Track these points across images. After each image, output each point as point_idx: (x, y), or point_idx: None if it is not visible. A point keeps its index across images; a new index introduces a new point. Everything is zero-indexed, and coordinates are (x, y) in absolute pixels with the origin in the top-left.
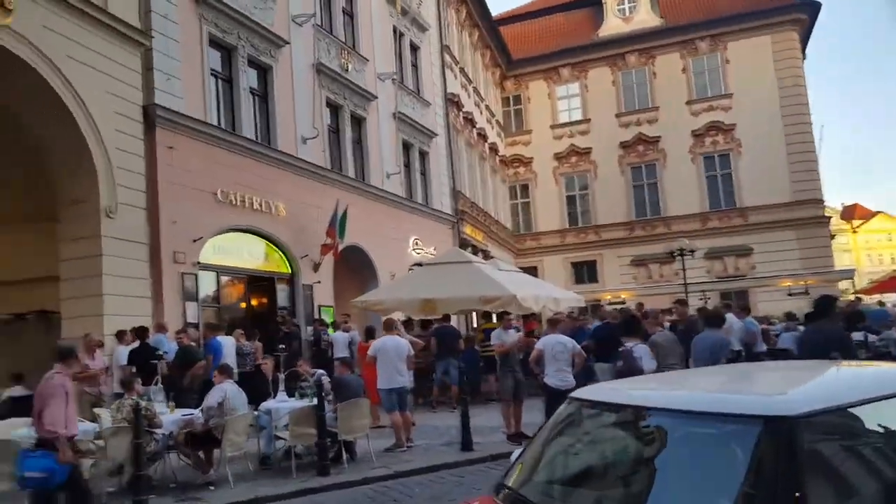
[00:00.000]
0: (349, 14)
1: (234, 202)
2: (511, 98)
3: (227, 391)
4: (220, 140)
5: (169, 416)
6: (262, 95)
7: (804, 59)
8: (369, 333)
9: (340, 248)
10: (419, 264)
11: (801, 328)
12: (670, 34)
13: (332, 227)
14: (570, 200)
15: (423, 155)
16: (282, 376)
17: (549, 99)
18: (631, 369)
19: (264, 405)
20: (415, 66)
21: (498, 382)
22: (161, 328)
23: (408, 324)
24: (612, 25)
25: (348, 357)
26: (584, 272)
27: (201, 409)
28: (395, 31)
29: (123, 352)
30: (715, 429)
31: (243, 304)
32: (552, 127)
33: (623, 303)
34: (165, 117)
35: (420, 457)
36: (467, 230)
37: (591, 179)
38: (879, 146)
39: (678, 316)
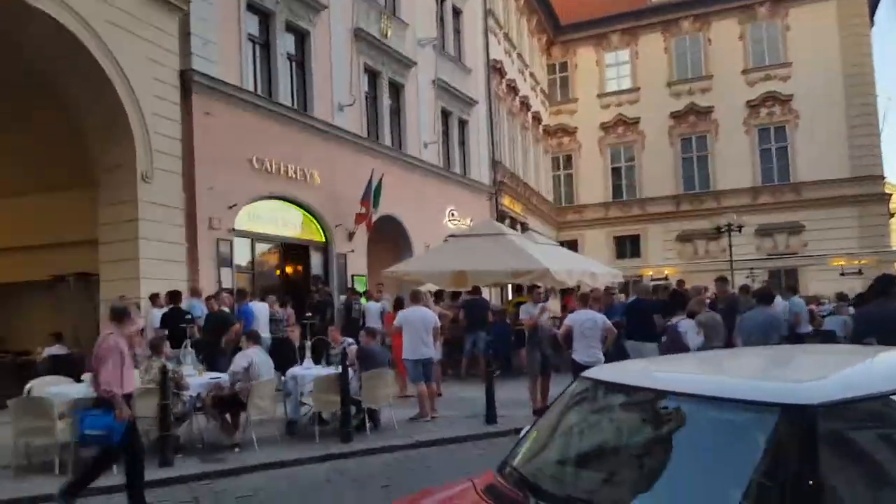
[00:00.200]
0: None
1: (269, 169)
2: (557, 65)
3: (253, 357)
4: (257, 106)
5: (197, 379)
6: (300, 61)
7: (872, 26)
8: (398, 304)
9: (374, 218)
10: (454, 236)
11: (852, 309)
12: None
13: (367, 198)
14: (616, 172)
15: (463, 124)
16: (308, 344)
17: (598, 66)
18: (676, 345)
19: (290, 371)
20: (457, 31)
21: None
22: (195, 292)
23: (439, 295)
24: None
25: (373, 327)
26: (627, 247)
27: (228, 374)
28: None
29: (157, 314)
30: (730, 416)
31: (277, 272)
32: (599, 96)
33: (665, 279)
34: (202, 83)
35: (443, 428)
36: (505, 201)
37: (638, 151)
38: None
39: (718, 294)
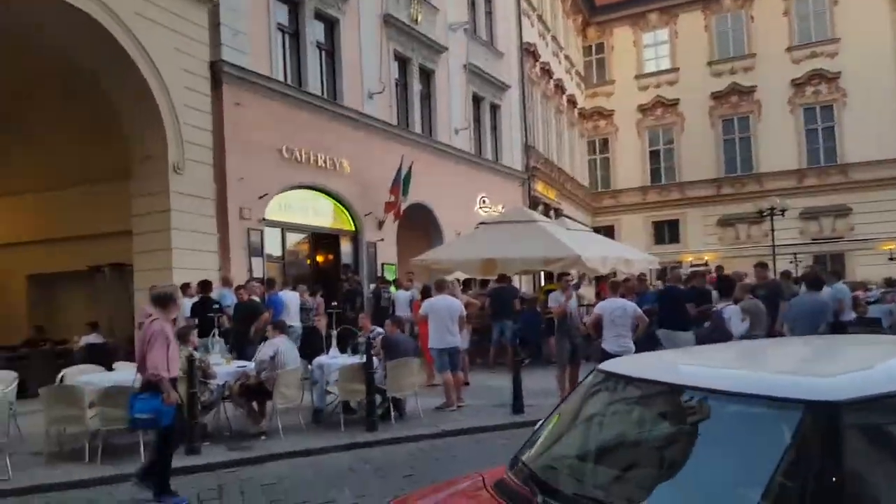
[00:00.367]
0: None
1: (298, 159)
2: (593, 47)
3: (279, 346)
4: (286, 96)
5: (224, 368)
6: (329, 49)
7: None
8: (426, 293)
9: (404, 206)
10: (484, 223)
11: None
12: None
13: (396, 185)
14: (654, 156)
15: (495, 108)
16: (334, 332)
17: (635, 47)
18: (719, 332)
19: (317, 360)
20: (488, 14)
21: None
22: (226, 282)
23: (467, 283)
24: None
25: (399, 316)
26: (665, 232)
27: (254, 362)
28: None
29: (187, 304)
30: (750, 412)
31: (308, 261)
32: (637, 77)
33: (705, 265)
34: (232, 73)
35: (469, 417)
36: (539, 187)
37: (678, 133)
38: None
39: (757, 279)
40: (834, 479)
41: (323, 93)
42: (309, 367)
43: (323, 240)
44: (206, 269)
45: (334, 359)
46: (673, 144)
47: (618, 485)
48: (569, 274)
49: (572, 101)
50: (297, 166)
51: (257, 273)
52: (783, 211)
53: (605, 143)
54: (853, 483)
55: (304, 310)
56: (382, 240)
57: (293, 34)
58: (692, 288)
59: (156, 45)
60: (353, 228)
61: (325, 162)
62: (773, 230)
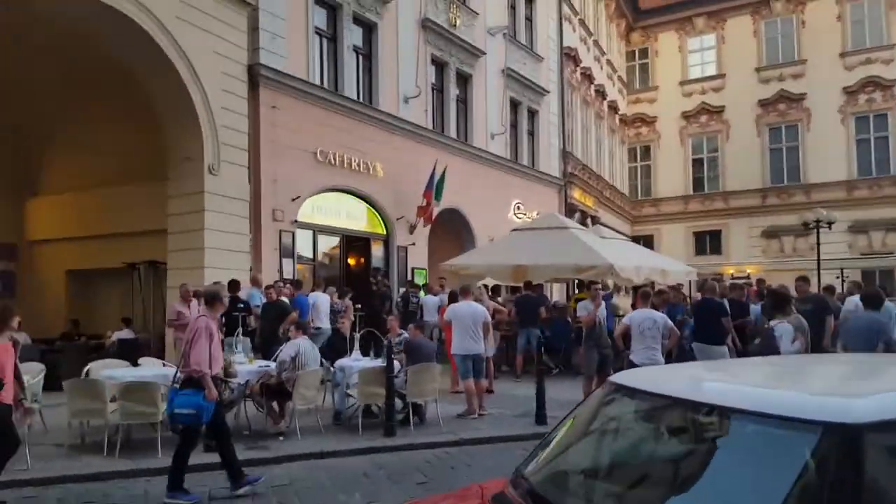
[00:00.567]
0: None
1: (332, 162)
2: (637, 52)
3: (300, 346)
4: (322, 100)
5: (246, 367)
6: (366, 54)
7: None
8: (452, 298)
9: (436, 210)
10: (517, 230)
11: None
12: None
13: (429, 190)
14: (697, 164)
15: (533, 114)
16: (357, 335)
17: (680, 52)
18: (769, 350)
19: (339, 363)
20: (528, 19)
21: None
22: (255, 282)
23: (496, 290)
24: None
25: (423, 321)
26: (707, 243)
27: (276, 362)
28: None
29: None
30: (766, 432)
31: (339, 263)
32: (682, 83)
33: (747, 277)
34: (269, 77)
35: (490, 426)
36: (576, 194)
37: (722, 141)
38: None
39: (798, 294)
40: None
41: (359, 97)
42: (331, 369)
43: (354, 243)
44: (238, 269)
45: (356, 361)
46: (717, 153)
47: None
48: (597, 283)
49: (613, 107)
50: (330, 169)
51: (288, 274)
52: (830, 223)
53: (646, 150)
54: None
55: (333, 312)
56: (414, 244)
57: (331, 38)
58: (730, 300)
59: (195, 48)
60: (385, 232)
61: (358, 165)
62: (818, 243)
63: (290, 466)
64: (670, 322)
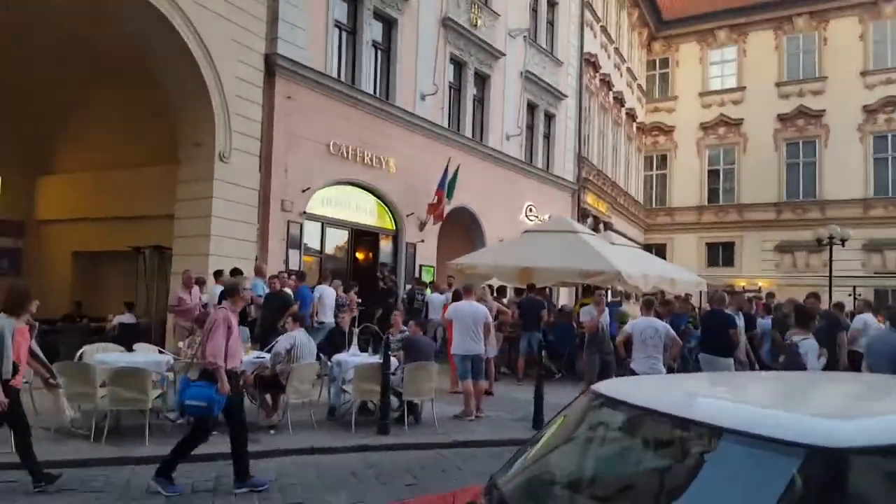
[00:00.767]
0: None
1: (345, 155)
2: (657, 61)
3: (296, 339)
4: (338, 93)
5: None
6: (385, 49)
7: None
8: (456, 297)
9: (448, 209)
10: (528, 231)
11: None
12: None
13: (441, 188)
14: (713, 175)
15: (550, 117)
16: (356, 331)
17: (701, 64)
18: (794, 368)
19: (336, 357)
20: (550, 23)
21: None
22: (259, 272)
23: (501, 291)
24: None
25: (423, 319)
26: (720, 254)
27: (271, 354)
28: None
29: (216, 291)
30: (748, 453)
31: (346, 257)
32: (701, 94)
33: (759, 290)
34: (286, 67)
35: (486, 429)
36: (589, 199)
37: (739, 153)
38: None
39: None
40: None
41: (375, 91)
42: (329, 363)
43: (363, 237)
44: (243, 258)
45: (353, 356)
46: (734, 165)
47: None
48: (601, 289)
49: (631, 115)
50: (343, 162)
51: (293, 266)
52: (843, 240)
53: (663, 159)
54: None
55: (338, 305)
56: (423, 241)
57: (350, 31)
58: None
59: (213, 35)
60: (394, 228)
61: (371, 160)
62: (831, 259)
63: (280, 461)
64: (672, 331)
